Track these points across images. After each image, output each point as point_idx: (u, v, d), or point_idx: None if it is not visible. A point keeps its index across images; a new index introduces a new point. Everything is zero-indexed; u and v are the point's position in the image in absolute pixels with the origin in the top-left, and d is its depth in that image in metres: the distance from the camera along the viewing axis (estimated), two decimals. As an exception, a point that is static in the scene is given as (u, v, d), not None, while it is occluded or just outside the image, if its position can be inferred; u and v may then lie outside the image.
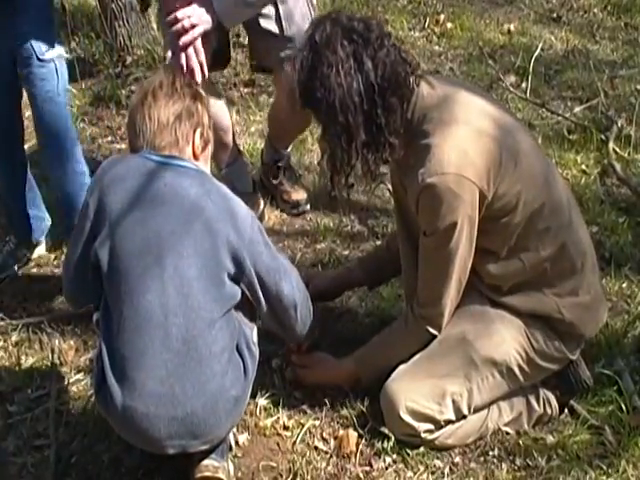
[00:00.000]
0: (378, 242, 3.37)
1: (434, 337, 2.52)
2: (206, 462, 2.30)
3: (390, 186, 2.88)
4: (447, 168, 2.29)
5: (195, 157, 2.34)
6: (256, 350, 2.35)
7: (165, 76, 2.36)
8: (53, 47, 3.04)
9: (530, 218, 2.42)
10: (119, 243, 2.19)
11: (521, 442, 2.55)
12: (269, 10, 3.12)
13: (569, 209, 2.54)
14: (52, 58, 3.03)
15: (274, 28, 3.14)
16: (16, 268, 3.34)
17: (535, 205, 2.42)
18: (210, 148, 2.42)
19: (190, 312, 2.16)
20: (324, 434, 2.58)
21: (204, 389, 2.17)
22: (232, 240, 2.21)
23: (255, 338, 2.38)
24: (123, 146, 4.02)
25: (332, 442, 2.55)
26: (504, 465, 2.49)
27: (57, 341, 2.91)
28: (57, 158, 3.14)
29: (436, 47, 5.05)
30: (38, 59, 2.99)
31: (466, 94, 2.46)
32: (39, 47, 2.98)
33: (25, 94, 3.10)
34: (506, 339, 2.49)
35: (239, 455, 2.50)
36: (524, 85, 4.53)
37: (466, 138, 2.33)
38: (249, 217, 2.28)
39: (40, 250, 3.42)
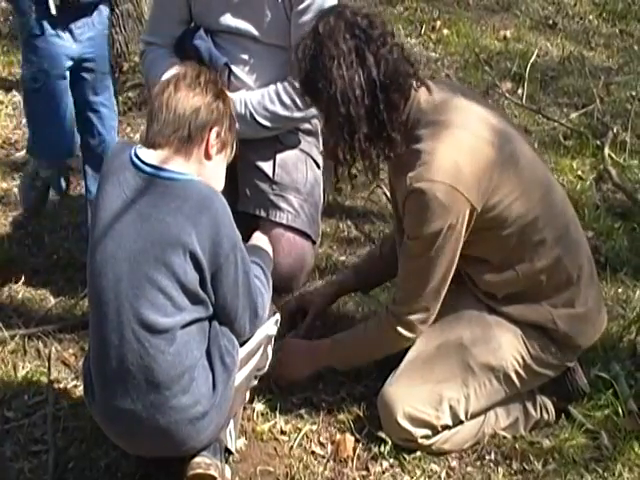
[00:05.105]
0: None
1: (408, 345, 2.52)
2: (198, 459, 2.30)
3: (387, 190, 2.87)
4: (436, 176, 2.28)
5: (208, 156, 2.26)
6: (232, 361, 2.28)
7: (190, 69, 2.31)
8: None
9: (523, 230, 2.42)
10: (91, 268, 2.23)
11: (517, 446, 2.55)
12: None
13: (567, 222, 2.54)
14: None
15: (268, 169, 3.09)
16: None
17: (528, 218, 2.41)
18: (229, 152, 2.34)
19: (144, 341, 2.16)
20: (321, 439, 2.58)
21: (163, 408, 2.19)
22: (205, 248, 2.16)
23: (238, 348, 2.32)
24: (120, 152, 4.01)
25: (329, 447, 2.55)
26: (500, 469, 2.49)
27: (54, 348, 2.91)
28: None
29: (432, 53, 5.05)
30: None
31: (465, 101, 2.45)
32: None
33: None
34: (503, 345, 2.50)
35: (236, 460, 2.50)
36: (520, 91, 4.55)
37: (459, 146, 2.32)
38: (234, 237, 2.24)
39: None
